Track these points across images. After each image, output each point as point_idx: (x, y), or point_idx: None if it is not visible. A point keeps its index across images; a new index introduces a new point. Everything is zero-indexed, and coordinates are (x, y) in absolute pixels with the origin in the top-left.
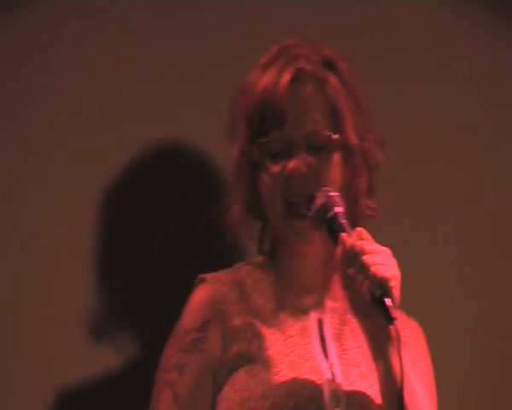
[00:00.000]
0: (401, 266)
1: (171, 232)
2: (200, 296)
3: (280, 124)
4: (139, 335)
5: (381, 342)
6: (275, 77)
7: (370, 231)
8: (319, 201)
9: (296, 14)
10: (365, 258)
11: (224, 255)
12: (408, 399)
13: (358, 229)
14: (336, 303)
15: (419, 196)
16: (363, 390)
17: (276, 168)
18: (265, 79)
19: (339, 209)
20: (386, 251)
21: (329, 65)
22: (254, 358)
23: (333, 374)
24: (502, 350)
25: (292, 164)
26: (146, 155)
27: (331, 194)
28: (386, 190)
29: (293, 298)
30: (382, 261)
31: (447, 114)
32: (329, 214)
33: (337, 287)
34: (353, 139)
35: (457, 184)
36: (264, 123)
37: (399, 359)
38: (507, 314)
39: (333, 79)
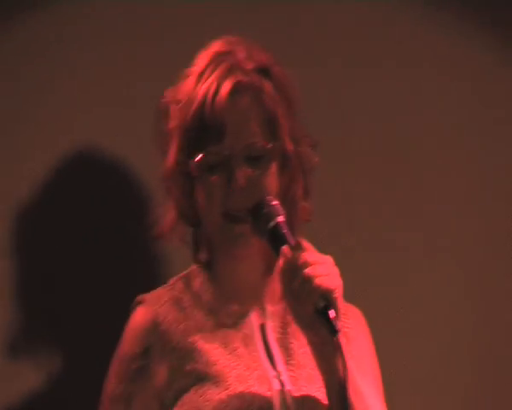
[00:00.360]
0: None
1: (92, 243)
2: (139, 320)
3: (219, 137)
4: (59, 350)
5: (325, 353)
6: (212, 90)
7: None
8: (261, 210)
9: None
10: (308, 270)
11: (148, 264)
12: (357, 406)
13: (300, 239)
14: (276, 306)
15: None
16: (312, 394)
17: (215, 181)
18: (202, 91)
19: (280, 219)
20: (329, 260)
21: (264, 71)
22: (201, 376)
23: (281, 382)
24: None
25: (234, 178)
26: (67, 165)
27: (273, 203)
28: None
29: (233, 307)
30: (325, 272)
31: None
32: (271, 224)
33: (276, 289)
34: (289, 146)
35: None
36: (203, 136)
37: (344, 371)
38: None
39: (268, 87)
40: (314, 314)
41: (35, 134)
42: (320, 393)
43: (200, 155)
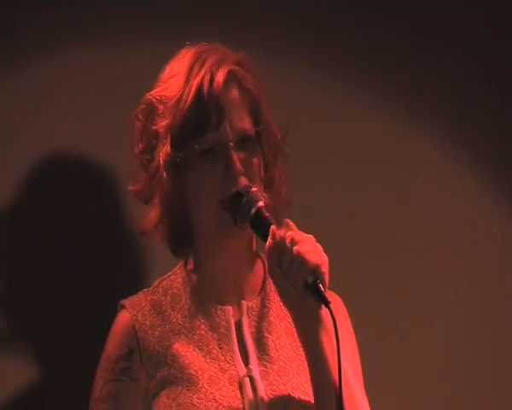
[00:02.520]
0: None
1: (78, 242)
2: (120, 325)
3: (217, 124)
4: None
5: (310, 328)
6: (207, 79)
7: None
8: (240, 200)
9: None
10: (297, 247)
11: (135, 265)
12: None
13: (285, 220)
14: (253, 300)
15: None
16: (283, 388)
17: (210, 168)
18: (197, 83)
19: (261, 204)
20: (312, 238)
21: (241, 66)
22: (175, 380)
23: (253, 379)
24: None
25: (232, 163)
26: (52, 165)
27: (252, 190)
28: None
29: (211, 306)
30: (312, 249)
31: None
32: (253, 211)
33: (254, 282)
34: (276, 131)
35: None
36: (197, 128)
37: (336, 339)
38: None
39: (251, 77)
40: (303, 290)
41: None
42: (292, 383)
43: (198, 143)
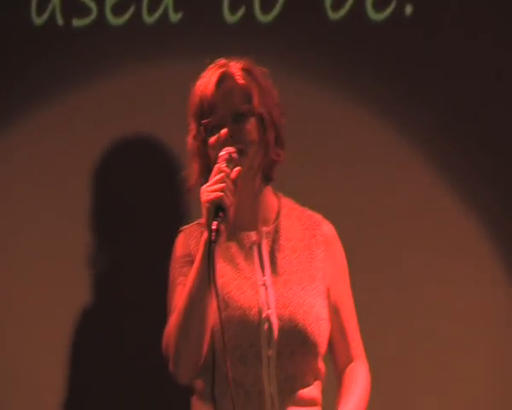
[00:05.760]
0: None
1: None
2: (180, 241)
3: (213, 110)
4: None
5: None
6: (205, 81)
7: None
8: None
9: None
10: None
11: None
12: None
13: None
14: (269, 227)
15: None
16: (286, 294)
17: (213, 138)
18: (201, 84)
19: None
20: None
21: (246, 70)
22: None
23: (266, 286)
24: None
25: (219, 134)
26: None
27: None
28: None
29: (239, 231)
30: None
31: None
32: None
33: (270, 213)
34: (259, 108)
35: None
36: (204, 113)
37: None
38: None
39: (246, 77)
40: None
41: None
42: (292, 291)
43: (203, 123)
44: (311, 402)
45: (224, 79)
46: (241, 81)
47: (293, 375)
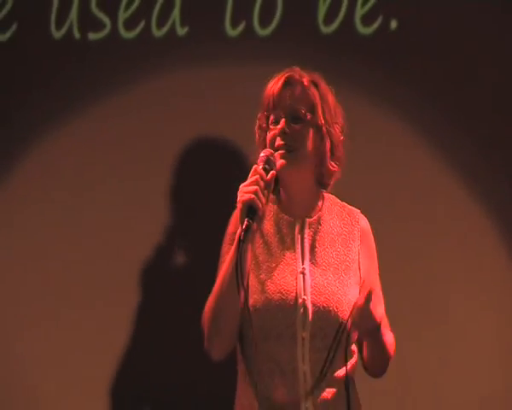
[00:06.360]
0: None
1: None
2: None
3: (276, 105)
4: None
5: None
6: (273, 83)
7: None
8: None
9: None
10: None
11: None
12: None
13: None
14: (313, 218)
15: None
16: (322, 283)
17: (271, 132)
18: (270, 87)
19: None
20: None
21: (314, 82)
22: (258, 263)
23: (303, 273)
24: None
25: (278, 127)
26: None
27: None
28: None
29: (286, 219)
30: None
31: None
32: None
33: (314, 205)
34: (320, 120)
35: None
36: (268, 105)
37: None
38: None
39: (312, 87)
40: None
41: None
42: (328, 281)
43: (267, 115)
44: (343, 382)
45: (291, 82)
46: (306, 89)
47: (325, 356)
